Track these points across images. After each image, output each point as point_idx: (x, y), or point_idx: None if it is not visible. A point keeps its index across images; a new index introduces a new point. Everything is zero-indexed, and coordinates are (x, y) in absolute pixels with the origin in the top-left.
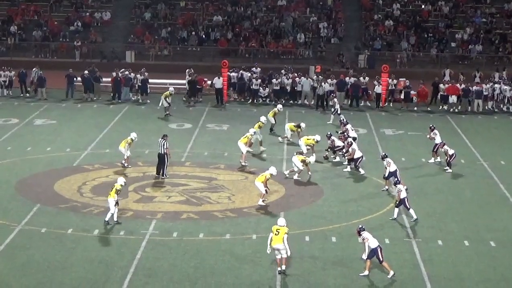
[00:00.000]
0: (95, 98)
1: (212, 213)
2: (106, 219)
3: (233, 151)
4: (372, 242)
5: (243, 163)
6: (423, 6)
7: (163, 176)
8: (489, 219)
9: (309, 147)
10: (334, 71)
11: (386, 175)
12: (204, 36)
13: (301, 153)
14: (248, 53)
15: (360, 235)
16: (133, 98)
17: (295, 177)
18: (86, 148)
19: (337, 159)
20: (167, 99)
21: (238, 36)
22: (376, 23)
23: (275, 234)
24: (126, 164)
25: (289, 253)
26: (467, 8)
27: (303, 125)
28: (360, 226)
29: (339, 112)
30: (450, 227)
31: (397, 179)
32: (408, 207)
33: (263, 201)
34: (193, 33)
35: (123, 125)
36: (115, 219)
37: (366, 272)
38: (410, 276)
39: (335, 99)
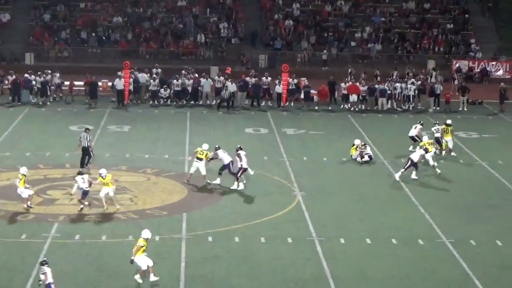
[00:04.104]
0: None
1: (115, 215)
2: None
3: (134, 152)
4: None
5: (208, 181)
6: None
7: (86, 166)
8: (391, 217)
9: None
10: (235, 72)
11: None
12: (104, 37)
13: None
14: (148, 54)
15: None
16: (33, 101)
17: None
18: None
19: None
20: None
21: (138, 37)
22: (276, 22)
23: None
24: (29, 204)
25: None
26: (367, 7)
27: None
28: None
29: None
30: (353, 225)
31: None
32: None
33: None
34: (93, 34)
35: (23, 128)
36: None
37: None
38: (313, 275)
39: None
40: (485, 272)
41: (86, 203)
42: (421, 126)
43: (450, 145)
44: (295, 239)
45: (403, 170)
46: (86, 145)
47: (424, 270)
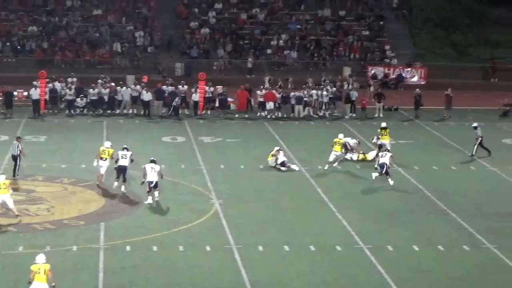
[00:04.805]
0: None
1: (31, 226)
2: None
3: (51, 162)
4: None
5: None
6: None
7: (14, 177)
8: (308, 223)
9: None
10: (151, 80)
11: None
12: (19, 46)
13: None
14: (64, 63)
15: None
16: None
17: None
18: None
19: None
20: None
21: (54, 46)
22: (192, 31)
23: (38, 273)
24: None
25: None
26: (282, 15)
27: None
28: None
29: None
30: (271, 232)
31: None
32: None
33: None
34: (8, 43)
35: None
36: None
37: None
38: (231, 283)
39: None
40: (402, 276)
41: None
42: (356, 141)
43: (388, 147)
44: (213, 247)
45: (388, 177)
46: (16, 154)
47: (342, 276)
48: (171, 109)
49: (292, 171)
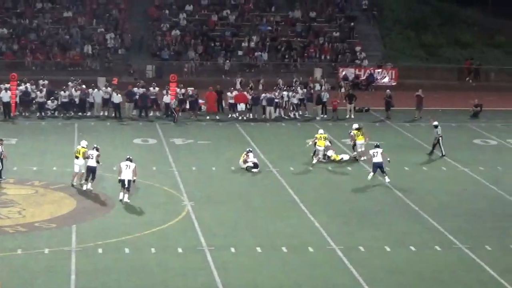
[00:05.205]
0: None
1: (2, 229)
2: None
3: (22, 165)
4: None
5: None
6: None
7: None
8: (280, 225)
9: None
10: (123, 82)
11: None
12: None
13: None
14: (35, 65)
15: None
16: None
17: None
18: None
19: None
20: None
21: (24, 49)
22: (163, 33)
23: None
24: None
25: None
26: (253, 16)
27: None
28: None
29: None
30: (243, 234)
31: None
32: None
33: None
34: None
35: None
36: None
37: None
38: (204, 285)
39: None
40: (374, 277)
41: None
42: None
43: (363, 148)
44: (185, 249)
45: (385, 175)
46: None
47: (315, 277)
48: (169, 111)
49: (261, 172)
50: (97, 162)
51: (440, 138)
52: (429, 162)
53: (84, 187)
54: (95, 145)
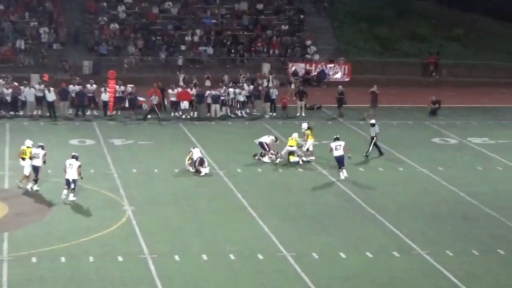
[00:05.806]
0: None
1: None
2: None
3: None
4: None
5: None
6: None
7: None
8: (228, 230)
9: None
10: (58, 79)
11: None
12: None
13: None
14: None
15: None
16: None
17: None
18: None
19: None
20: None
21: None
22: (101, 26)
23: None
24: None
25: None
26: (196, 8)
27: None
28: None
29: None
30: (188, 240)
31: None
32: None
33: None
34: None
35: None
36: None
37: None
38: None
39: None
40: (328, 285)
41: None
42: (272, 138)
43: (311, 148)
44: (126, 256)
45: (344, 169)
46: None
47: (264, 285)
48: (149, 111)
49: (207, 174)
50: (44, 162)
51: (375, 137)
52: (385, 162)
53: (29, 187)
54: (40, 144)
